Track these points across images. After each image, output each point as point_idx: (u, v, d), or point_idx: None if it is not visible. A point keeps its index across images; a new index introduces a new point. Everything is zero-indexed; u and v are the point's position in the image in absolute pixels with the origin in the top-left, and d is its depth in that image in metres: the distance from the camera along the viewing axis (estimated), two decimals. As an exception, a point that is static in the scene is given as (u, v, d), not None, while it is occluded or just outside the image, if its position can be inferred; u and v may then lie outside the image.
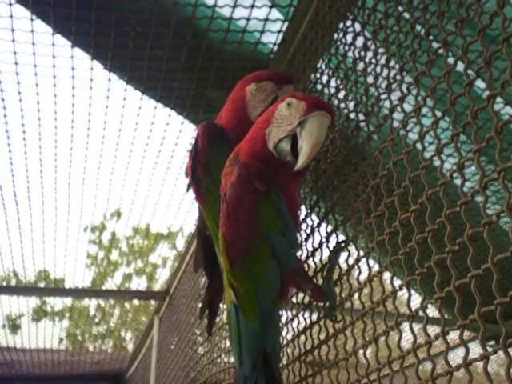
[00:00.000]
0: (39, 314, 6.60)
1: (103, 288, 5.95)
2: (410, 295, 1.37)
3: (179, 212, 4.25)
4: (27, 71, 2.74)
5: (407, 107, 1.48)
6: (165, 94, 2.97)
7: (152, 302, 5.89)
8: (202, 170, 2.12)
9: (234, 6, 2.45)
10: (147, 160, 3.53)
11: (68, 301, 6.45)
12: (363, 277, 1.61)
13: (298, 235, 1.89)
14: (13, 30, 2.49)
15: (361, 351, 1.53)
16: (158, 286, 5.85)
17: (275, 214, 1.69)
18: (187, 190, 2.36)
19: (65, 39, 2.61)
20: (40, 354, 7.27)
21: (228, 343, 2.86)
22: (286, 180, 1.76)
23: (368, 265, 1.58)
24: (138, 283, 5.92)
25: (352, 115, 1.89)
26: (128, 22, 2.50)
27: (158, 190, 3.93)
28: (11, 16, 2.44)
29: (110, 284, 5.95)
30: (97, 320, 7.10)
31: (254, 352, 1.72)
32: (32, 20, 2.48)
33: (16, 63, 2.67)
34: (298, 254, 2.05)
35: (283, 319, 2.14)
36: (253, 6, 2.46)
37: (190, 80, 2.83)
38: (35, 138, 3.25)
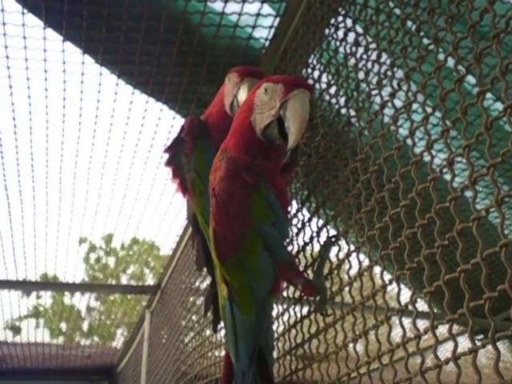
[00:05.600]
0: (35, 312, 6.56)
1: (94, 282, 5.94)
2: (399, 289, 1.38)
3: (170, 207, 4.24)
4: (18, 65, 2.73)
5: (398, 103, 1.48)
6: (156, 89, 2.96)
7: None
8: (188, 163, 2.14)
9: (226, 1, 2.45)
10: (139, 154, 3.53)
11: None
12: (353, 271, 1.62)
13: (288, 227, 1.90)
14: (4, 24, 2.48)
15: (351, 345, 1.54)
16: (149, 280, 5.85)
17: (265, 205, 1.70)
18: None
19: (56, 33, 2.61)
20: (31, 348, 7.25)
21: (219, 337, 2.87)
22: (275, 172, 1.77)
23: (358, 259, 1.59)
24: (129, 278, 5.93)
25: (343, 111, 1.89)
26: (119, 16, 2.49)
27: (150, 185, 3.93)
28: (2, 10, 2.43)
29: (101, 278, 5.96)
30: (88, 314, 7.09)
31: (251, 346, 1.71)
32: (23, 14, 2.46)
33: (7, 57, 2.66)
34: (289, 248, 2.06)
35: (274, 313, 2.15)
36: (244, 1, 2.46)
37: (181, 75, 2.83)
38: (26, 133, 3.24)
